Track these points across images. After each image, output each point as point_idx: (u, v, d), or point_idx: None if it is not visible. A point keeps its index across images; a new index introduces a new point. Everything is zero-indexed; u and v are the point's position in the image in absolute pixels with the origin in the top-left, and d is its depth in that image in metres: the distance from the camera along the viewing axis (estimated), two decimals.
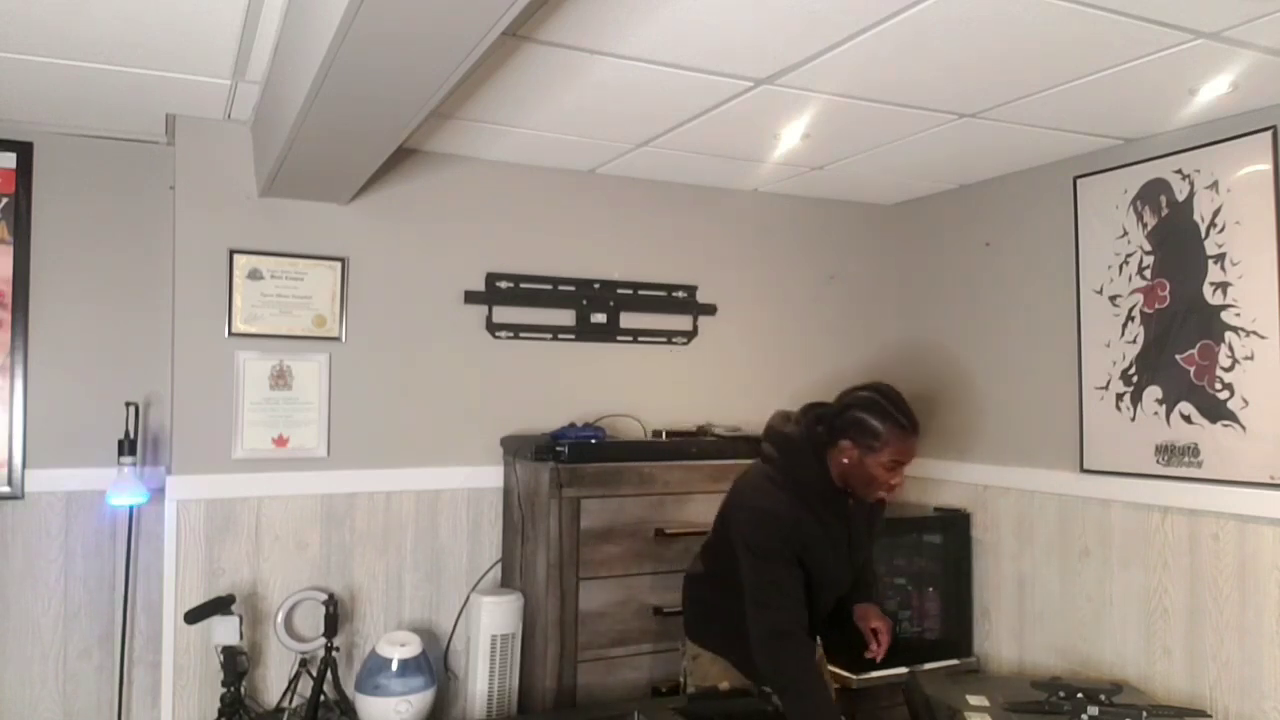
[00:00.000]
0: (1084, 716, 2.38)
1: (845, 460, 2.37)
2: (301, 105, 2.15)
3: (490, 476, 3.35)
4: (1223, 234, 2.82)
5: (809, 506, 2.38)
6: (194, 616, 2.80)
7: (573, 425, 3.26)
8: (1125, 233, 3.10)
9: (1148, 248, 3.04)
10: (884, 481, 2.37)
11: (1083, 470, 3.21)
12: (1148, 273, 3.04)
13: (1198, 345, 2.88)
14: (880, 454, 2.33)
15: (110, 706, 3.12)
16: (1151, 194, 3.03)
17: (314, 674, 2.92)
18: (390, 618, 3.22)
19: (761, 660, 2.36)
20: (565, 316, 3.50)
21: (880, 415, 2.33)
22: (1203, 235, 2.87)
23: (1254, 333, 2.73)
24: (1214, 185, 2.84)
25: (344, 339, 3.17)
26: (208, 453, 2.99)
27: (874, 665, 2.72)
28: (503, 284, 3.40)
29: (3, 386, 3.03)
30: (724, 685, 2.55)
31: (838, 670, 3.14)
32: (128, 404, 3.03)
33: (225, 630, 2.84)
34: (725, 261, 3.79)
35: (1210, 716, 2.70)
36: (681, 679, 2.72)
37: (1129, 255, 3.09)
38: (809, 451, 2.41)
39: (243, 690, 2.83)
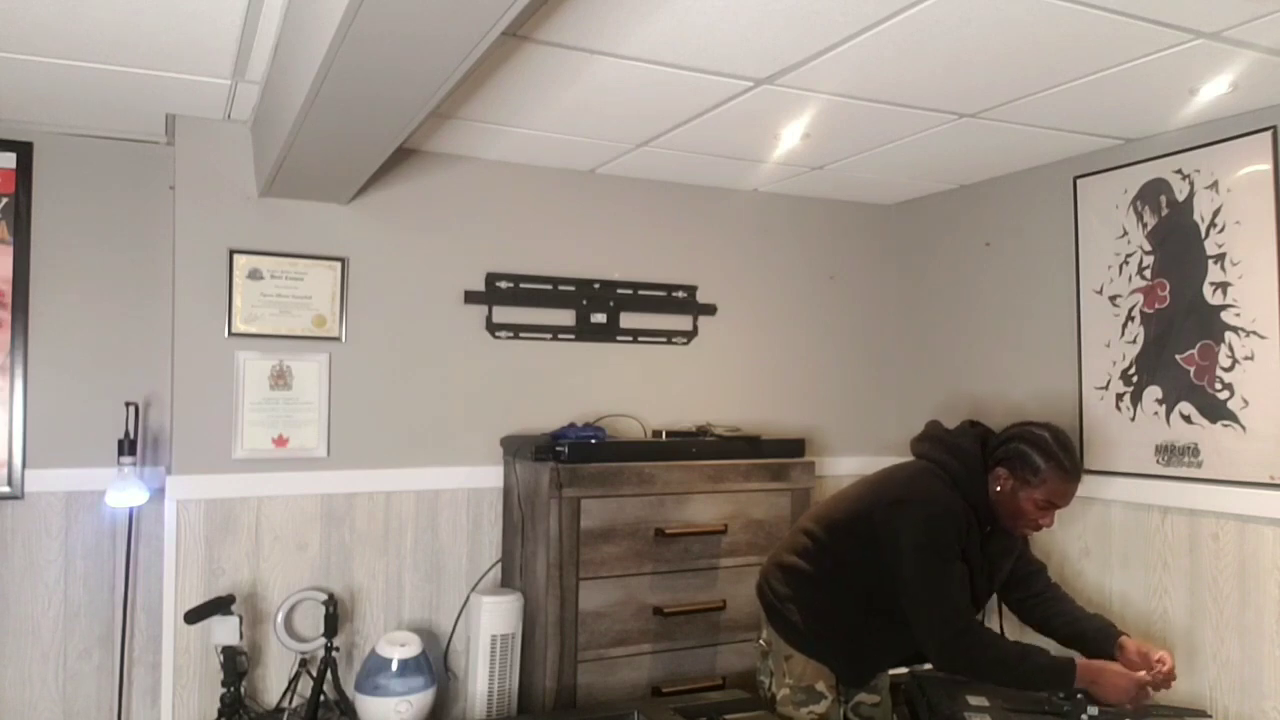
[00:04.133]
0: (1084, 717, 2.38)
1: (998, 488, 2.43)
2: (301, 105, 2.15)
3: (490, 476, 3.35)
4: (1223, 234, 2.82)
5: (974, 519, 2.42)
6: (194, 616, 2.80)
7: (573, 425, 3.26)
8: (1125, 233, 3.10)
9: (1148, 248, 3.04)
10: (1031, 518, 2.42)
11: (1083, 470, 3.21)
12: (1148, 273, 3.04)
13: (1198, 345, 2.88)
14: (1035, 490, 2.39)
15: (110, 706, 3.12)
16: (1151, 194, 3.03)
17: (314, 674, 2.92)
18: (390, 618, 3.22)
19: (952, 660, 2.35)
20: (565, 316, 3.49)
21: (1044, 453, 2.38)
22: (1203, 235, 2.87)
23: (1254, 333, 2.73)
24: (1214, 185, 2.84)
25: (344, 339, 3.17)
26: (208, 453, 2.99)
27: None
28: (503, 284, 3.40)
29: (3, 386, 3.03)
30: (820, 685, 2.51)
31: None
32: (128, 404, 3.03)
33: (225, 630, 2.84)
34: (725, 261, 3.79)
35: (1210, 716, 2.70)
36: (765, 680, 2.63)
37: (1129, 255, 3.09)
38: (980, 469, 2.44)
39: (243, 690, 2.83)
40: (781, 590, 2.57)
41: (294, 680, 2.98)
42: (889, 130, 3.00)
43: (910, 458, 2.66)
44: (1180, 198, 2.94)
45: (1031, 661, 2.32)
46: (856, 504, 2.54)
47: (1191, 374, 2.90)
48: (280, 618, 2.99)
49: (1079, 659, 2.34)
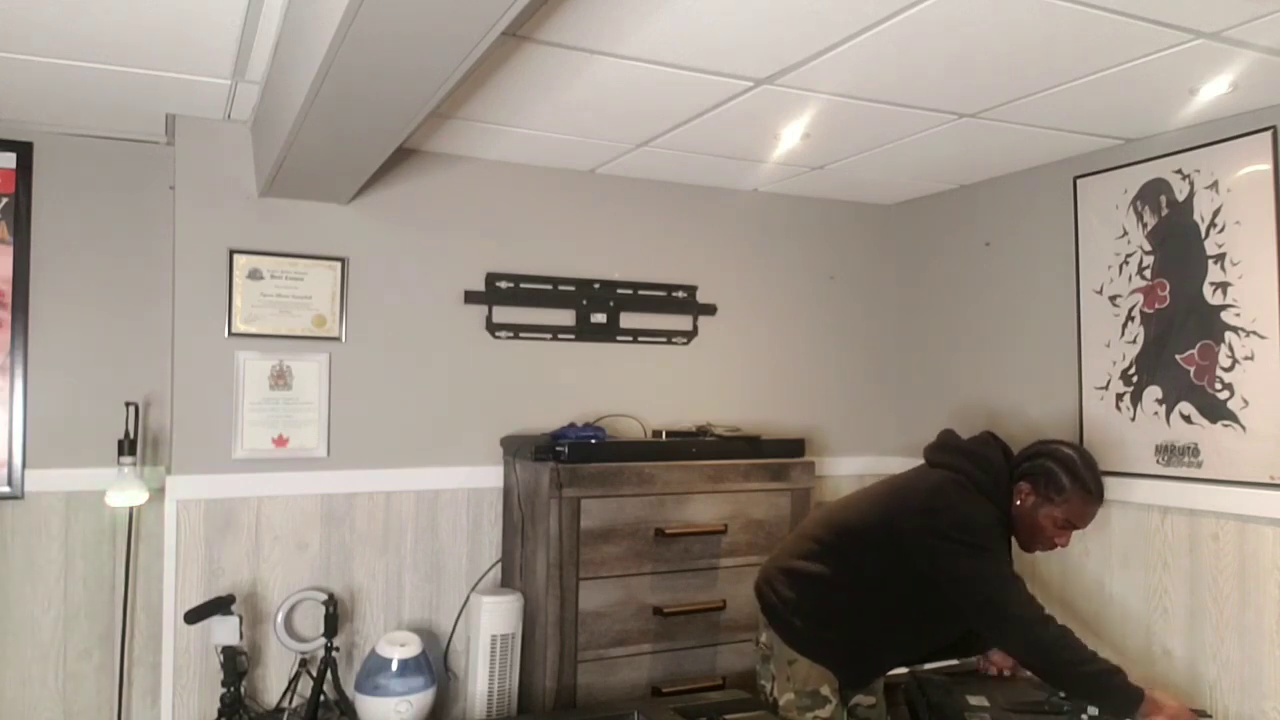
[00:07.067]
0: (1084, 717, 2.38)
1: (1018, 503, 2.42)
2: (301, 105, 2.15)
3: (490, 476, 3.35)
4: (1223, 234, 2.82)
5: (1004, 525, 2.41)
6: (194, 616, 2.80)
7: (573, 425, 3.26)
8: (1125, 233, 3.10)
9: (1148, 248, 3.04)
10: (1047, 536, 2.42)
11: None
12: (1148, 273, 3.04)
13: (1198, 345, 2.88)
14: (1056, 508, 2.39)
15: (110, 706, 3.12)
16: (1151, 194, 3.03)
17: (314, 674, 2.92)
18: (390, 618, 3.22)
19: (1032, 652, 2.29)
20: (565, 316, 3.50)
21: (1071, 473, 2.39)
22: (1203, 235, 2.87)
23: (1254, 333, 2.73)
24: (1214, 185, 2.84)
25: (344, 339, 3.17)
26: (208, 453, 2.99)
27: None
28: (503, 284, 3.40)
29: (3, 386, 3.03)
30: (824, 689, 2.48)
31: None
32: (128, 404, 3.03)
33: (225, 630, 2.84)
34: (725, 261, 3.79)
35: (1210, 716, 2.70)
36: (766, 684, 2.60)
37: (1129, 255, 3.09)
38: (1005, 480, 2.44)
39: (243, 690, 2.83)
40: (786, 595, 2.55)
41: (294, 680, 2.98)
42: (889, 130, 3.00)
43: (918, 462, 2.65)
44: (1180, 198, 2.94)
45: (1103, 666, 2.27)
46: (872, 511, 2.53)
47: (1191, 374, 2.90)
48: (280, 618, 2.99)
49: (1147, 689, 2.28)
